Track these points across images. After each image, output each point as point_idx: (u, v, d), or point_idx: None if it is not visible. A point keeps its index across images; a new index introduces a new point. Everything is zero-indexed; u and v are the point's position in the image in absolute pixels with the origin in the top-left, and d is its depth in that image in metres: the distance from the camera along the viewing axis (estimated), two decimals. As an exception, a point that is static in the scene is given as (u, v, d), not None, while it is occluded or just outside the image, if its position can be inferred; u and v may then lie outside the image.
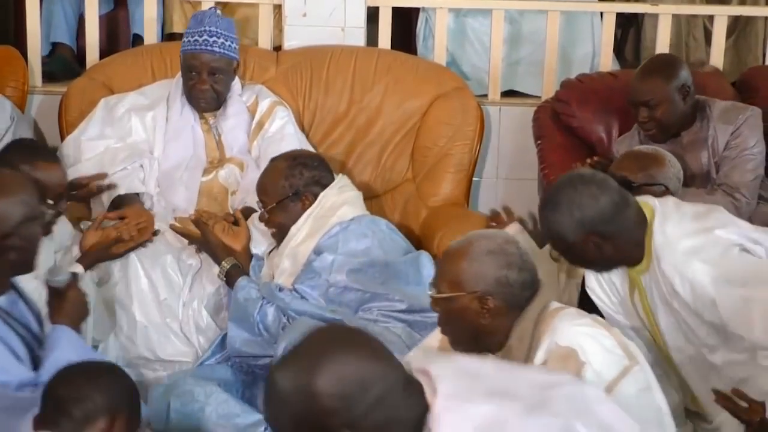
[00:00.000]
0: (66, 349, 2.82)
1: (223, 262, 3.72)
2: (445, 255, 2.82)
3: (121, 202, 3.85)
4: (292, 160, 3.79)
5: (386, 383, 1.89)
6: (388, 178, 4.31)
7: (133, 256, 3.78)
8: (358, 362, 1.89)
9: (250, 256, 3.83)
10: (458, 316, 2.72)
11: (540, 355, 2.61)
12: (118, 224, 3.72)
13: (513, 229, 3.52)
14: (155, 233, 3.83)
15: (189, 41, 4.00)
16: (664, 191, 3.33)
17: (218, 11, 4.29)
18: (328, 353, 1.90)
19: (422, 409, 1.93)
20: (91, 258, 3.71)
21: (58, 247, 3.69)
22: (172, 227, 3.88)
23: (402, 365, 1.95)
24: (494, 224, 3.63)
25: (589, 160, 3.71)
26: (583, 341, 2.59)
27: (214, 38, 3.98)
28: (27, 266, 2.81)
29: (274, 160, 3.82)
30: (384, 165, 4.34)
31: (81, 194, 3.85)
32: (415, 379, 1.96)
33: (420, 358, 2.33)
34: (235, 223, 3.87)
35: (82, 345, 2.98)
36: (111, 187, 3.89)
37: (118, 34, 5.13)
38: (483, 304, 2.66)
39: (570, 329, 2.64)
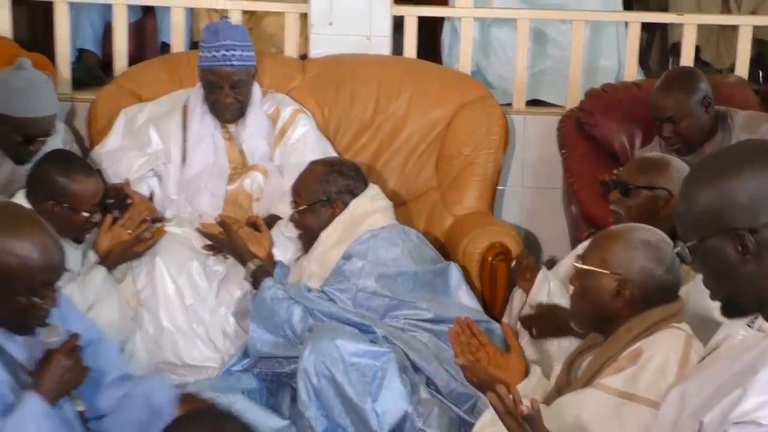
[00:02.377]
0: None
1: (249, 263, 3.79)
2: (605, 233, 2.84)
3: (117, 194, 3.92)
4: (330, 166, 3.90)
5: None
6: (413, 186, 4.39)
7: (159, 261, 3.82)
8: None
9: (274, 262, 3.88)
10: (593, 293, 2.71)
11: (625, 353, 2.63)
12: (123, 221, 3.78)
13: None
14: (160, 220, 3.93)
15: (206, 56, 4.07)
16: (668, 196, 3.32)
17: (229, 20, 4.36)
18: (758, 159, 1.94)
19: None
20: (114, 260, 3.76)
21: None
22: (198, 230, 3.94)
23: None
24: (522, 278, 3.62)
25: (615, 171, 3.71)
26: (656, 352, 2.59)
27: (232, 51, 4.04)
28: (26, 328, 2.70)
29: (313, 163, 3.93)
30: (409, 173, 4.41)
31: (117, 201, 3.88)
32: None
33: None
34: (257, 229, 3.93)
35: (48, 426, 2.66)
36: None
37: (145, 43, 5.20)
38: (620, 288, 2.65)
39: (661, 342, 2.61)
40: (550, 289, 3.47)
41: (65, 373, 2.70)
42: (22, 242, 2.55)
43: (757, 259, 1.91)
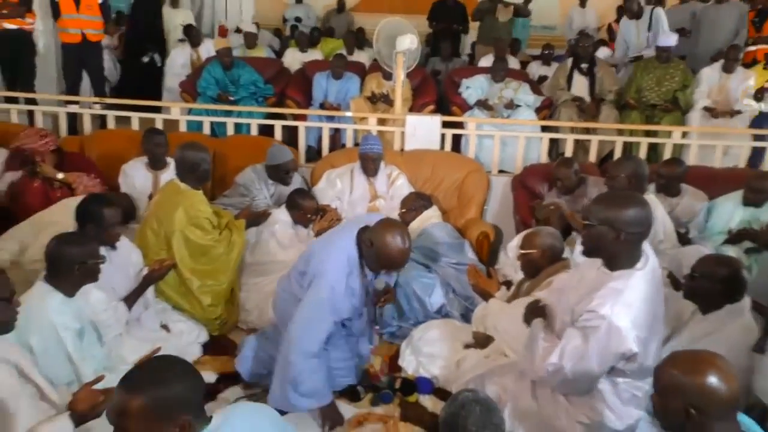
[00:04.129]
0: None
1: None
2: (530, 231, 2.67)
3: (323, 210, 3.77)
4: (416, 195, 3.85)
5: None
6: (448, 206, 4.22)
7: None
8: None
9: None
10: (531, 260, 2.59)
11: (544, 282, 2.54)
12: (324, 219, 3.64)
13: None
14: (339, 219, 3.74)
15: (363, 148, 3.97)
16: (561, 212, 3.17)
17: (375, 133, 4.32)
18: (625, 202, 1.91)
19: None
20: (320, 233, 3.58)
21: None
22: None
23: None
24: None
25: (536, 201, 3.61)
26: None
27: (372, 146, 3.95)
28: None
29: (410, 193, 3.88)
30: (447, 201, 4.24)
31: (322, 211, 3.74)
32: None
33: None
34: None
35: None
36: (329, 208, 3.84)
37: (336, 142, 5.11)
38: (542, 255, 2.55)
39: (561, 278, 2.46)
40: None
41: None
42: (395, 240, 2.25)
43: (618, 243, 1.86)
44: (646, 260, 1.91)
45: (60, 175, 3.48)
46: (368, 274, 2.39)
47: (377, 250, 2.27)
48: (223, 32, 7.02)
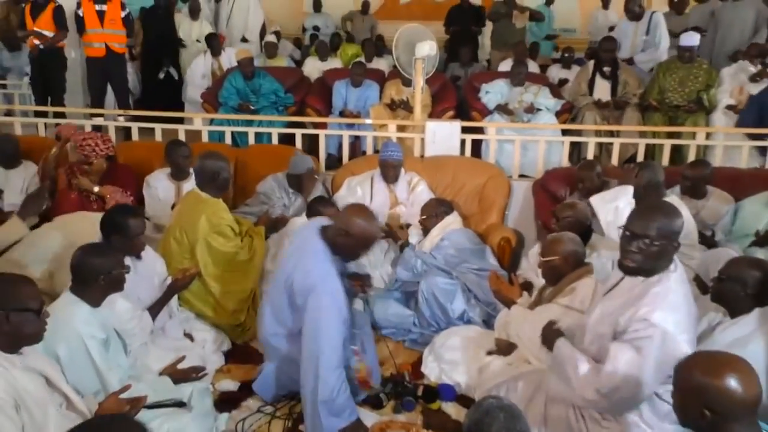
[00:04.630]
0: None
1: (399, 241, 3.73)
2: (552, 237, 2.61)
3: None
4: (437, 201, 3.82)
5: None
6: (469, 211, 4.17)
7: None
8: None
9: (408, 242, 3.74)
10: (552, 267, 2.51)
11: (567, 288, 2.49)
12: None
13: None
14: None
15: (384, 154, 3.98)
16: (575, 220, 3.01)
17: (393, 140, 4.31)
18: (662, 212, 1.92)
19: None
20: None
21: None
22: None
23: None
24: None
25: (557, 206, 3.55)
26: (581, 288, 2.41)
27: (392, 153, 3.95)
28: None
29: (432, 199, 3.85)
30: (467, 206, 4.20)
31: None
32: None
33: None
34: (401, 228, 3.84)
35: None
36: None
37: (356, 150, 5.12)
38: (564, 261, 2.48)
39: (583, 284, 2.42)
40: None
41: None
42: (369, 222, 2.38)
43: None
44: (675, 263, 1.92)
45: (96, 189, 3.55)
46: (340, 265, 2.42)
47: (357, 237, 2.36)
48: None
